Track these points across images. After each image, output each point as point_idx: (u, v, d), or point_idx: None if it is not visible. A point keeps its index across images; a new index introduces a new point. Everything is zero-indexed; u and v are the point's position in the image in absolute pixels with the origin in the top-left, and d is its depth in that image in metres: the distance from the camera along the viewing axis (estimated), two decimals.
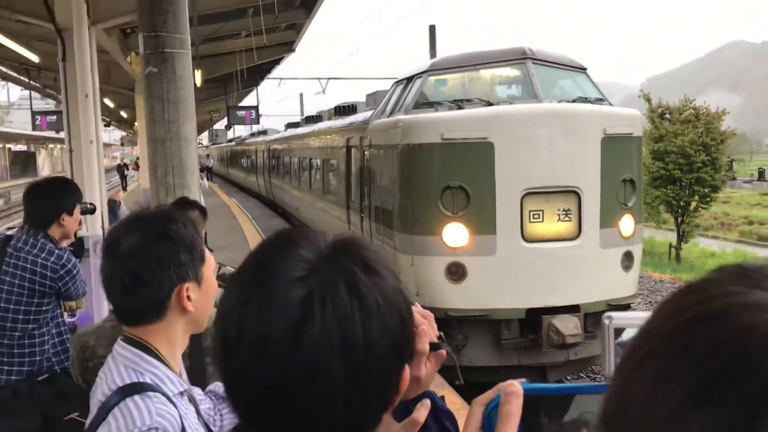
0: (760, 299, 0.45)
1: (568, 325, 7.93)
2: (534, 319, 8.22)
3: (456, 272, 8.31)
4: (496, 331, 8.40)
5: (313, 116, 20.86)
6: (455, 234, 8.31)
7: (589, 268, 8.40)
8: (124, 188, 39.46)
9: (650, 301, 16.48)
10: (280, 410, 0.86)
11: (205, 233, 4.22)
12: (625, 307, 8.96)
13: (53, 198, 4.03)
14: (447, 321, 8.34)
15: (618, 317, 0.97)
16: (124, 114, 33.30)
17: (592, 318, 8.53)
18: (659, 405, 0.45)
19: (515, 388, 0.97)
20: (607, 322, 0.97)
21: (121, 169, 42.98)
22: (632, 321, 0.98)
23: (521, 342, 8.40)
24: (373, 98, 13.53)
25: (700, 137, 24.87)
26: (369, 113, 11.79)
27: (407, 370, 0.96)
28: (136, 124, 23.86)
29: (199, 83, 14.92)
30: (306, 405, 0.86)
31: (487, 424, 0.98)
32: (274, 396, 0.86)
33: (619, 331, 0.98)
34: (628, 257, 8.76)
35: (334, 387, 0.85)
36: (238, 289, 0.90)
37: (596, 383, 1.03)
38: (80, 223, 4.52)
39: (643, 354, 0.48)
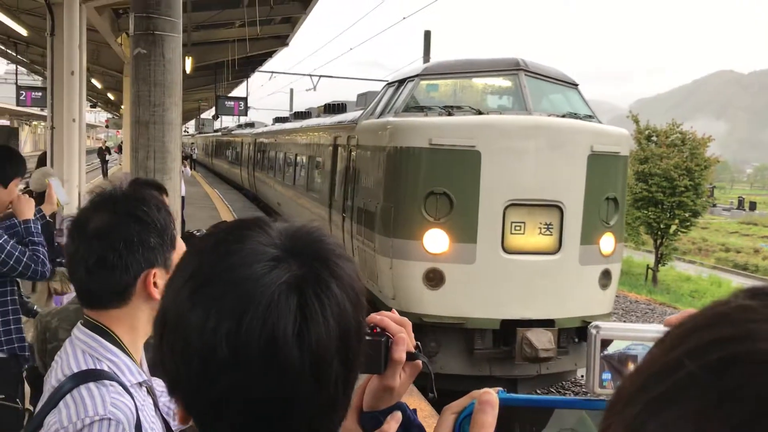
0: None
1: (542, 339, 7.90)
2: (508, 330, 8.19)
3: (434, 278, 8.26)
4: (470, 340, 8.36)
5: (301, 112, 20.75)
6: (436, 240, 8.26)
7: (567, 284, 8.39)
8: (105, 173, 37.16)
9: (624, 321, 16.57)
10: (285, 417, 0.81)
11: (183, 220, 4.11)
12: None
13: None
14: (421, 327, 8.30)
15: (606, 327, 0.90)
16: (111, 96, 33.00)
17: (565, 333, 8.52)
18: None
19: (491, 397, 0.89)
20: (594, 332, 0.90)
21: (102, 153, 39.56)
22: (620, 333, 0.92)
23: (494, 353, 8.37)
24: (364, 98, 13.46)
25: (685, 162, 25.09)
26: (358, 113, 11.72)
27: None
28: (122, 106, 23.62)
29: (189, 70, 14.79)
30: (314, 406, 0.82)
31: None
32: (280, 405, 0.81)
33: (605, 343, 0.91)
34: (606, 275, 8.76)
35: (335, 382, 0.83)
36: (207, 303, 0.80)
37: (577, 398, 0.96)
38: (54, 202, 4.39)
39: (659, 396, 0.39)
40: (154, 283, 1.64)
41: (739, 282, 30.56)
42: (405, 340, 1.03)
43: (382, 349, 1.01)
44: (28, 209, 3.81)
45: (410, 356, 1.03)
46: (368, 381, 1.06)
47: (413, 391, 6.18)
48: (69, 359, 1.56)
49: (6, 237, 3.66)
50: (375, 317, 1.04)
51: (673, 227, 26.31)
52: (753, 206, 65.87)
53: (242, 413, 0.81)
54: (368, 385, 1.06)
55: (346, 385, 0.85)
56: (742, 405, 0.35)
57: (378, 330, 1.03)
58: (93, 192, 1.71)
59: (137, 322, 1.67)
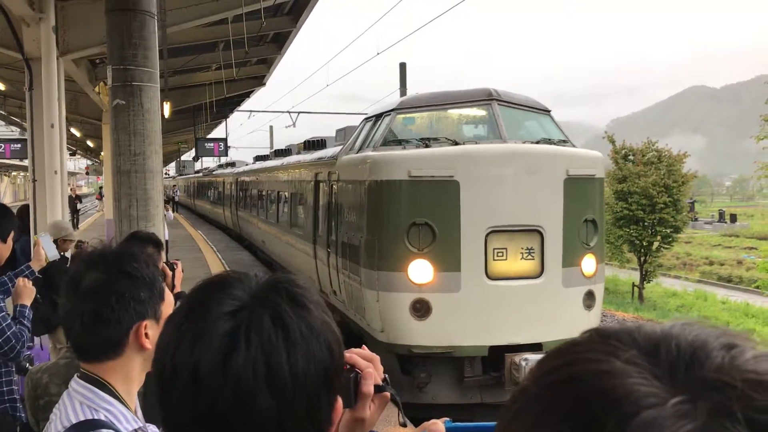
0: (613, 367, 0.50)
1: (531, 364, 7.98)
2: (497, 356, 8.26)
3: (420, 309, 8.33)
4: (460, 368, 8.41)
5: (282, 150, 20.88)
6: (420, 270, 8.36)
7: (552, 307, 8.49)
8: (76, 225, 32.02)
9: None
10: None
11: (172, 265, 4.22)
12: None
13: None
14: (410, 358, 8.34)
15: (533, 359, 1.03)
16: (90, 143, 32.97)
17: None
18: None
19: (438, 426, 1.04)
20: (523, 364, 1.03)
21: (73, 202, 32.59)
22: None
23: (484, 380, 8.43)
24: (343, 134, 13.62)
25: (663, 179, 25.44)
26: (338, 148, 11.87)
27: (339, 401, 1.01)
28: (102, 153, 23.67)
29: (167, 115, 14.90)
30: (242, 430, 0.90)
31: None
32: (209, 426, 0.90)
33: None
34: (590, 296, 8.88)
35: (263, 413, 0.89)
36: (173, 328, 0.96)
37: None
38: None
39: (514, 411, 0.54)
40: (146, 335, 1.74)
41: (724, 294, 30.80)
42: (373, 375, 1.14)
43: (351, 384, 1.11)
44: (27, 297, 3.94)
45: (378, 389, 1.14)
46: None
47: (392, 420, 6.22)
48: (67, 411, 1.65)
49: (5, 313, 3.71)
50: (345, 354, 1.15)
51: (656, 244, 26.56)
52: (734, 218, 66.52)
53: (186, 426, 0.92)
54: (342, 418, 1.16)
55: (282, 418, 0.90)
56: (559, 411, 0.50)
57: (348, 366, 1.13)
58: (85, 250, 1.81)
59: (131, 372, 1.76)
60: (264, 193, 19.64)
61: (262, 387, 0.89)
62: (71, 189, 39.01)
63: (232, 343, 0.90)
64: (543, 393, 0.52)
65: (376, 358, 1.17)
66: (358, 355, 1.16)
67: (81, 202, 38.56)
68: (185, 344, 0.92)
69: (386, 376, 1.17)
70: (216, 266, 17.49)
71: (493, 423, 1.08)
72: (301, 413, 0.92)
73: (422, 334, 8.32)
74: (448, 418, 1.04)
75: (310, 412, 0.94)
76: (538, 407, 0.51)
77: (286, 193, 16.02)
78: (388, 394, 1.16)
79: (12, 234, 4.02)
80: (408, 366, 8.40)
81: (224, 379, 0.89)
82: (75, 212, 34.02)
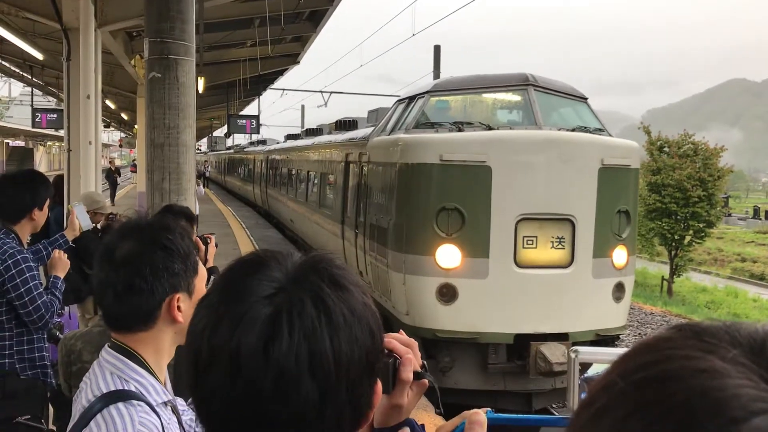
0: (713, 366, 0.46)
1: (556, 353, 7.92)
2: (522, 344, 8.21)
3: (447, 293, 8.30)
4: (484, 354, 8.38)
5: (313, 129, 20.90)
6: (448, 255, 8.31)
7: (580, 297, 8.40)
8: (113, 199, 29.78)
9: (639, 334, 16.48)
10: (253, 426, 0.87)
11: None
12: (614, 339, 8.95)
13: (28, 191, 3.93)
14: (435, 342, 8.33)
15: (584, 352, 0.98)
16: (124, 116, 33.30)
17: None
18: None
19: (480, 417, 0.99)
20: (573, 355, 0.98)
21: (112, 175, 31.12)
22: (598, 356, 0.99)
23: (508, 367, 8.39)
24: (375, 115, 13.56)
25: (698, 172, 25.00)
26: (369, 130, 11.82)
27: (379, 384, 0.97)
28: (136, 126, 23.89)
29: (201, 90, 14.96)
30: (278, 419, 0.87)
31: None
32: (247, 412, 0.87)
33: (585, 366, 0.99)
34: (619, 288, 8.77)
35: (305, 400, 0.86)
36: (208, 310, 0.91)
37: (561, 416, 1.04)
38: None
39: (598, 408, 0.50)
40: (178, 307, 1.73)
41: (755, 292, 30.27)
42: (412, 361, 1.10)
43: (390, 369, 1.08)
44: (61, 269, 4.00)
45: (417, 375, 1.10)
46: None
47: (428, 407, 6.22)
48: (98, 380, 1.64)
49: (38, 281, 3.75)
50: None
51: (688, 238, 26.17)
52: None
53: (222, 413, 0.88)
54: (378, 404, 1.13)
55: (324, 405, 0.88)
56: (652, 410, 0.46)
57: (386, 351, 1.10)
58: (118, 222, 1.81)
59: (162, 344, 1.75)
60: (294, 172, 19.70)
61: (304, 374, 0.86)
62: (110, 161, 37.86)
63: (273, 328, 0.86)
64: (633, 390, 0.48)
65: (415, 343, 1.14)
66: (397, 341, 1.12)
67: (120, 175, 36.33)
68: (223, 328, 0.88)
69: (424, 362, 1.14)
70: (244, 242, 17.61)
71: (535, 416, 1.04)
72: (343, 399, 0.89)
73: (447, 319, 8.30)
74: (490, 408, 0.99)
75: (352, 398, 0.91)
76: (627, 405, 0.47)
77: (316, 173, 16.04)
78: (426, 381, 1.12)
79: (48, 202, 4.07)
80: (432, 350, 8.39)
81: (266, 366, 0.85)
82: (114, 186, 31.28)
